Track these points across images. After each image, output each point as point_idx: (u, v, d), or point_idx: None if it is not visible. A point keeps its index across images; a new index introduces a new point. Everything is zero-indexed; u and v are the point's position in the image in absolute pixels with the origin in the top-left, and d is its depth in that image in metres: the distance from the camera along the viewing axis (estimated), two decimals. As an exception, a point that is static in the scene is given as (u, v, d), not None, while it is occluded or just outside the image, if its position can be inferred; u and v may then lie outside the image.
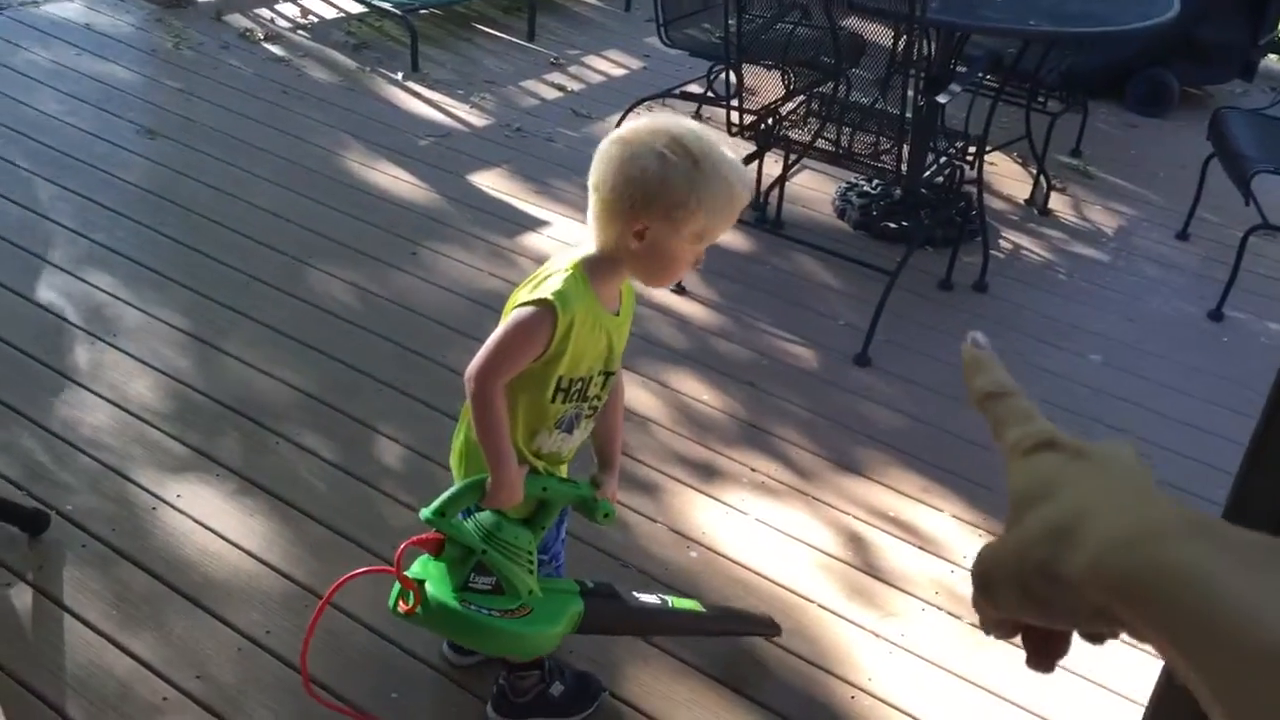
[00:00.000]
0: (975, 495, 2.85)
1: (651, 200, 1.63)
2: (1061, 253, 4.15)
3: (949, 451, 3.00)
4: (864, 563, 2.61)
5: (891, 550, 2.65)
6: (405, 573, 1.78)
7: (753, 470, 2.86)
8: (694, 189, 1.62)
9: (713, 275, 3.72)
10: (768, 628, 2.35)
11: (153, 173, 4.00)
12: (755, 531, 2.66)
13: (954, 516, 2.77)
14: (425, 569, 1.82)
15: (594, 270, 1.72)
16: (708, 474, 2.84)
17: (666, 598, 2.14)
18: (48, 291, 3.27)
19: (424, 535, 1.78)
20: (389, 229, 3.79)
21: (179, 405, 2.87)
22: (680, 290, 3.60)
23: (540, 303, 1.67)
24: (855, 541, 2.67)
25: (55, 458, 2.65)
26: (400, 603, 1.78)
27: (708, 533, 2.64)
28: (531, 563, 1.81)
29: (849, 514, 2.75)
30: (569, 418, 1.80)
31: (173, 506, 2.54)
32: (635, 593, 2.11)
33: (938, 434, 3.08)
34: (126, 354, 3.03)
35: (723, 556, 2.57)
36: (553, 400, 1.75)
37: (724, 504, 2.74)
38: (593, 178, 1.67)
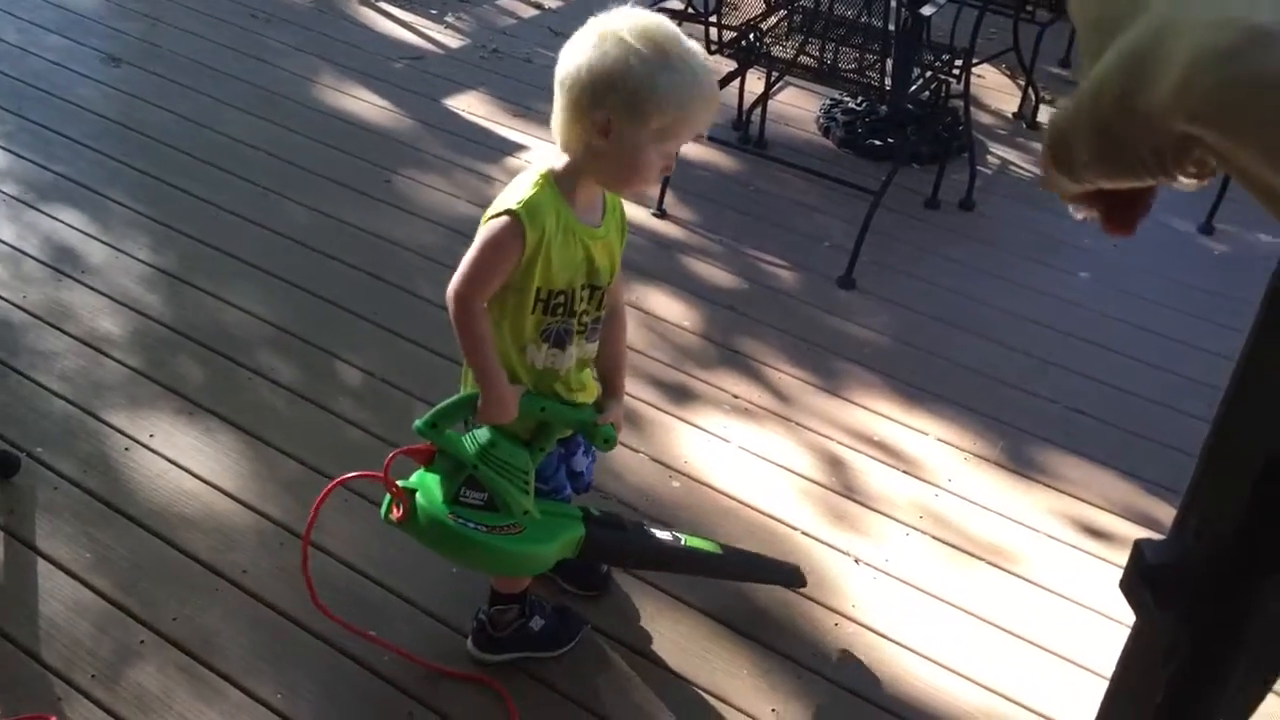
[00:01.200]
0: (960, 417, 2.81)
1: (614, 87, 1.59)
2: (1050, 167, 4.07)
3: (934, 374, 2.97)
4: (847, 487, 2.58)
5: (875, 474, 2.62)
6: (401, 483, 1.80)
7: (734, 396, 2.82)
8: (656, 77, 1.59)
9: (693, 197, 3.64)
10: (792, 578, 2.25)
11: (117, 102, 3.89)
12: (737, 458, 2.63)
13: (938, 439, 2.74)
14: (421, 480, 1.84)
15: (563, 178, 1.71)
16: (688, 400, 2.80)
17: (681, 536, 2.09)
18: (11, 227, 3.19)
19: (415, 445, 1.79)
20: (362, 156, 3.71)
21: (149, 342, 2.82)
22: (660, 214, 3.53)
23: (507, 213, 1.67)
24: (838, 466, 2.64)
25: (24, 399, 2.60)
26: (393, 509, 1.82)
27: (690, 461, 2.61)
28: (527, 483, 1.81)
29: (832, 438, 2.72)
30: (555, 331, 1.78)
31: (145, 446, 2.50)
32: (650, 528, 2.09)
33: (923, 356, 3.04)
34: (94, 290, 2.97)
35: (705, 485, 2.54)
36: (533, 312, 1.74)
37: (705, 431, 2.70)
38: (558, 73, 1.65)
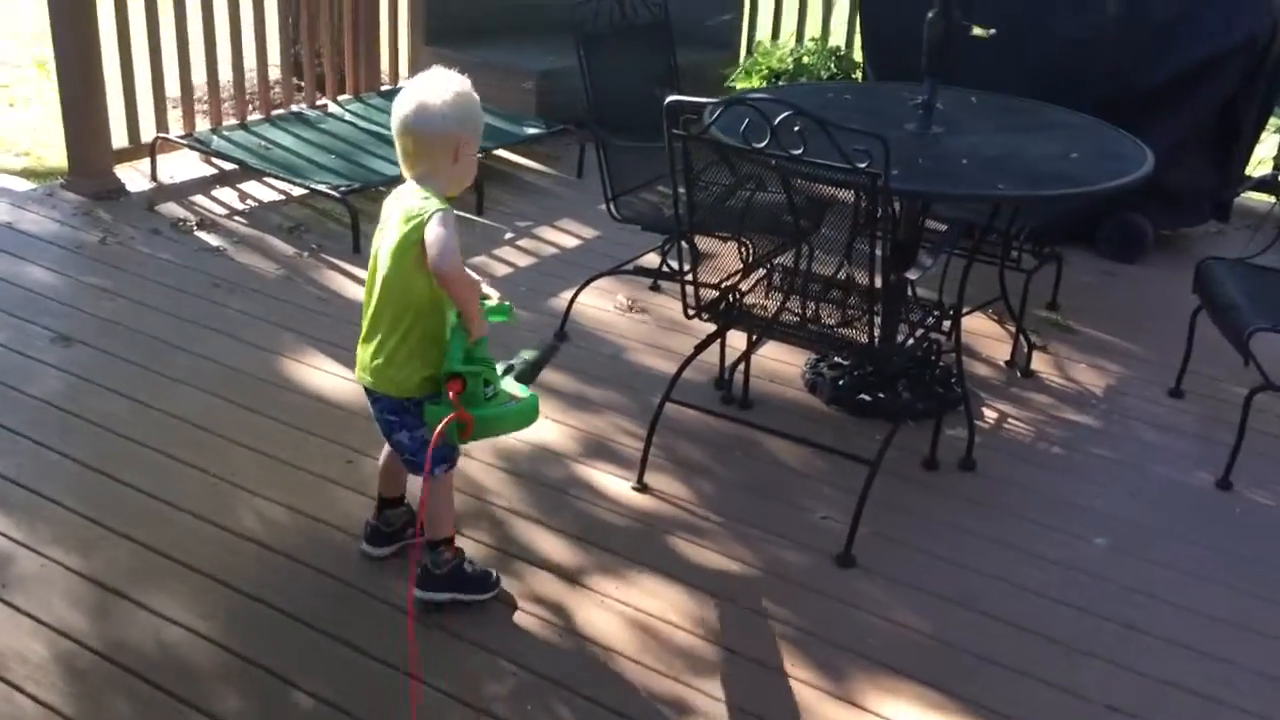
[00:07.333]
0: (988, 725, 2.50)
1: (476, 127, 2.51)
2: (1050, 419, 3.88)
3: (953, 669, 2.67)
4: (869, 823, 2.25)
5: (900, 804, 2.29)
6: (443, 423, 2.41)
7: (741, 709, 2.51)
8: (480, 114, 2.53)
9: (676, 466, 3.41)
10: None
11: (62, 385, 3.67)
12: (741, 791, 2.30)
13: (967, 756, 2.42)
14: (449, 407, 2.41)
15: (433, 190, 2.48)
16: (688, 716, 2.48)
17: (512, 362, 2.75)
18: (-66, 535, 2.91)
19: (450, 387, 2.41)
20: (322, 434, 3.47)
21: (73, 672, 2.49)
22: (641, 488, 3.29)
23: (442, 210, 2.40)
24: (857, 795, 2.31)
25: (-80, 751, 2.27)
26: (460, 435, 2.44)
27: (687, 796, 2.28)
28: (494, 365, 2.54)
29: (847, 759, 2.40)
30: None
31: (56, 807, 2.16)
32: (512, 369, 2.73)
33: (937, 647, 2.75)
34: (14, 608, 2.66)
35: (705, 828, 2.21)
36: None
37: (704, 757, 2.38)
38: (425, 127, 2.43)
